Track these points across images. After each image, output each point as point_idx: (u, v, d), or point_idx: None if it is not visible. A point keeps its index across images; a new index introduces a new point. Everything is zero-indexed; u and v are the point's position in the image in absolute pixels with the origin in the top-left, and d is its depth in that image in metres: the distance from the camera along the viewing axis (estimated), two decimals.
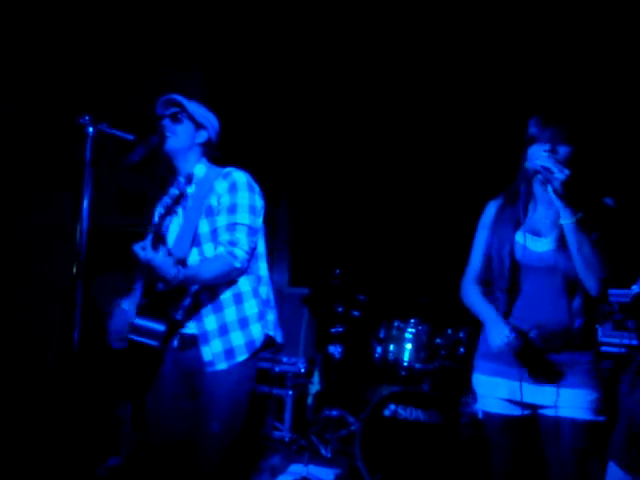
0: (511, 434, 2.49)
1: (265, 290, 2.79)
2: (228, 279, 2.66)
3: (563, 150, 2.36)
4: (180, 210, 2.76)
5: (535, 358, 2.40)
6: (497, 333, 2.38)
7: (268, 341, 2.75)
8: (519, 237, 2.46)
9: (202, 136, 2.81)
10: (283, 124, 5.56)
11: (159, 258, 2.38)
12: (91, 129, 2.51)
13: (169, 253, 2.41)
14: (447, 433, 3.91)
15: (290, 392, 4.86)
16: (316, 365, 4.97)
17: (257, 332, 2.70)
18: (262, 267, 2.79)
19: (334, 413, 4.69)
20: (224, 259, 2.61)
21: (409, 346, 4.38)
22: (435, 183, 5.08)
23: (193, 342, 2.69)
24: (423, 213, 5.12)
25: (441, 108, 5.05)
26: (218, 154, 2.90)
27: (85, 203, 2.54)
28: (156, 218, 2.64)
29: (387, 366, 4.43)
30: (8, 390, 4.42)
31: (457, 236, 4.66)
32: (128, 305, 2.80)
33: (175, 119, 2.76)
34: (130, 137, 2.63)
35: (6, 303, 4.62)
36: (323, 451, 4.55)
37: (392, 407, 4.02)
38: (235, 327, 2.67)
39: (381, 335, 4.48)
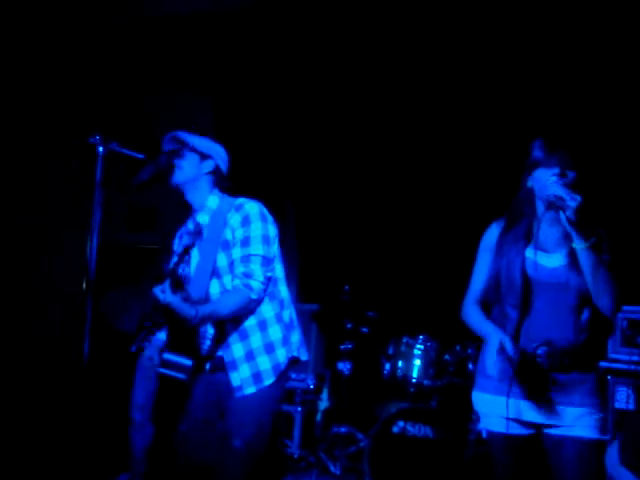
0: (515, 453, 2.48)
1: (288, 313, 2.89)
2: (246, 311, 2.75)
3: (571, 175, 2.38)
4: (196, 244, 2.84)
5: (539, 376, 2.40)
6: (496, 342, 2.38)
7: (293, 361, 2.84)
8: (529, 253, 2.46)
9: (209, 165, 2.88)
10: (291, 141, 5.60)
11: (177, 301, 2.47)
12: (101, 148, 2.58)
13: (186, 297, 2.53)
14: (455, 450, 3.90)
15: (299, 408, 4.86)
16: (325, 381, 4.96)
17: (282, 356, 2.79)
18: (282, 290, 2.88)
19: (343, 430, 4.68)
20: (240, 292, 2.69)
21: (418, 362, 4.37)
22: (444, 200, 5.09)
23: (223, 365, 2.78)
24: (433, 230, 5.12)
25: (450, 128, 5.08)
26: (229, 184, 2.96)
27: (96, 220, 2.59)
28: (174, 257, 2.73)
29: (396, 382, 4.42)
30: (19, 402, 4.45)
31: (466, 253, 4.69)
32: (162, 334, 2.93)
33: (177, 156, 2.81)
34: (140, 156, 2.69)
35: (17, 318, 4.67)
36: (332, 468, 4.55)
37: (401, 424, 4.02)
38: (261, 352, 2.76)
39: (390, 351, 4.47)
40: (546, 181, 2.38)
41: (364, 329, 4.74)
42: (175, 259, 2.65)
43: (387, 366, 4.46)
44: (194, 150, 2.83)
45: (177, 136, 2.85)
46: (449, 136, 5.09)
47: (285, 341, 2.80)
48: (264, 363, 2.74)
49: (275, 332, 2.78)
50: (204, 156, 2.85)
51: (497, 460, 2.52)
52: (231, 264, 2.76)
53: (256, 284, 2.69)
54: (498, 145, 4.81)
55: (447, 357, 4.32)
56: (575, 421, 2.38)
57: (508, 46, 4.60)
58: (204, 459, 2.79)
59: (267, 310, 2.79)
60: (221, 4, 4.68)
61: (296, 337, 2.88)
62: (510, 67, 4.68)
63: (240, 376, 2.73)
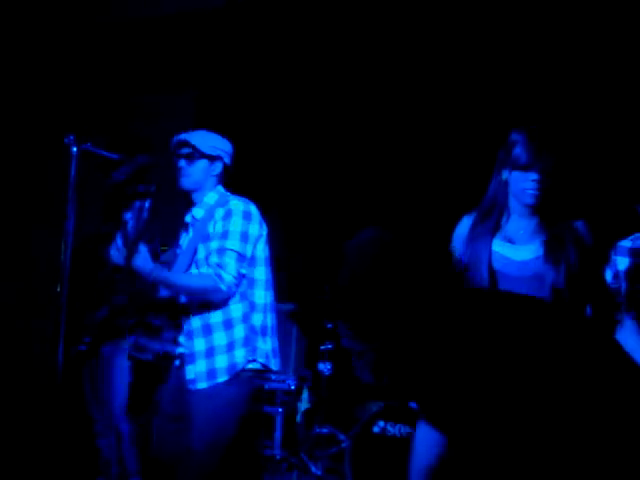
0: None
1: (260, 317, 2.84)
2: (208, 297, 2.73)
3: (549, 180, 2.37)
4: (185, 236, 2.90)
5: None
6: None
7: (261, 369, 2.83)
8: (496, 246, 2.44)
9: (218, 167, 2.91)
10: (273, 142, 5.58)
11: (141, 254, 2.54)
12: (75, 148, 2.56)
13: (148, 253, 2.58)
14: None
15: (280, 410, 4.83)
16: (306, 382, 4.94)
17: (240, 357, 2.76)
18: (258, 294, 2.84)
19: (324, 430, 4.66)
20: (208, 277, 2.70)
21: None
22: (422, 205, 5.10)
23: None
24: (412, 229, 5.13)
25: (428, 137, 5.09)
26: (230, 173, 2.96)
27: (70, 220, 2.57)
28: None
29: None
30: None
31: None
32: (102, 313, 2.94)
33: (189, 159, 2.81)
34: (115, 156, 2.68)
35: None
36: (313, 469, 4.53)
37: (381, 424, 4.01)
38: (222, 351, 2.74)
39: None
40: (523, 185, 2.38)
41: None
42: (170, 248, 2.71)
43: None
44: (204, 155, 2.84)
45: (186, 139, 2.84)
46: (430, 142, 5.10)
47: (247, 342, 2.77)
48: (221, 361, 2.72)
49: (238, 331, 2.76)
50: (213, 158, 2.86)
51: None
52: (207, 256, 2.76)
53: (228, 277, 2.68)
54: (478, 146, 4.82)
55: None
56: None
57: (494, 44, 4.61)
58: (175, 455, 2.76)
59: (235, 309, 2.77)
60: (196, 3, 4.65)
61: (266, 345, 2.85)
62: (494, 62, 4.68)
63: (195, 370, 2.72)
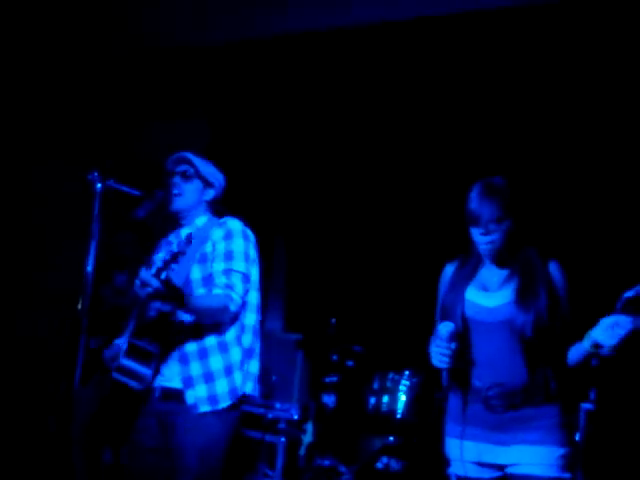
0: None
1: (249, 339, 2.83)
2: (220, 317, 2.71)
3: (499, 232, 2.41)
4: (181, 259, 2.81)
5: (493, 418, 2.40)
6: (432, 352, 2.38)
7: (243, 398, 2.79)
8: (469, 294, 2.48)
9: (209, 194, 2.90)
10: (281, 172, 5.66)
11: (144, 273, 2.48)
12: (99, 185, 2.62)
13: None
14: None
15: (282, 439, 4.84)
16: (309, 413, 4.97)
17: (239, 379, 2.75)
18: (249, 317, 2.83)
19: (326, 462, 4.67)
20: (221, 298, 2.68)
21: (403, 398, 4.40)
22: (428, 237, 5.15)
23: (175, 395, 2.71)
24: (419, 266, 5.17)
25: (434, 164, 5.16)
26: (221, 208, 2.99)
27: (92, 253, 2.63)
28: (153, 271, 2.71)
29: (380, 417, 4.45)
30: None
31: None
32: (121, 342, 2.84)
33: (185, 177, 2.84)
34: (137, 193, 2.72)
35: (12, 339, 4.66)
36: None
37: (384, 460, 4.04)
38: (220, 375, 2.72)
39: (375, 386, 4.50)
40: (476, 240, 2.44)
41: (349, 362, 4.76)
42: (154, 270, 2.64)
43: (372, 400, 4.48)
44: (199, 176, 2.85)
45: (185, 156, 2.86)
46: (435, 172, 5.17)
47: (242, 365, 2.76)
48: (221, 386, 2.70)
49: (235, 354, 2.75)
50: (207, 184, 2.88)
51: None
52: (205, 278, 2.74)
53: (236, 297, 2.69)
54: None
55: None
56: (535, 459, 2.36)
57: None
58: None
59: (229, 332, 2.75)
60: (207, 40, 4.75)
61: (254, 368, 2.83)
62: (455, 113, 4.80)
63: (195, 395, 2.68)
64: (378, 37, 4.58)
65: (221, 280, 2.70)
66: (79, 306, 2.62)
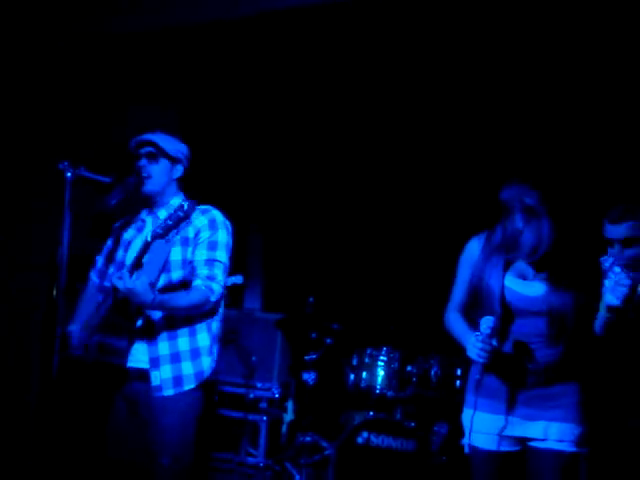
0: (498, 469, 2.52)
1: (217, 325, 2.90)
2: (201, 310, 2.77)
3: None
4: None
5: (521, 393, 2.48)
6: (471, 345, 2.43)
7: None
8: (508, 281, 2.53)
9: (179, 171, 2.91)
10: (254, 151, 5.64)
11: (138, 285, 2.51)
12: (69, 173, 2.61)
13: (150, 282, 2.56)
14: (419, 461, 3.99)
15: (264, 418, 4.90)
16: (290, 391, 5.02)
17: (207, 364, 2.81)
18: (220, 303, 2.89)
19: (308, 438, 4.71)
20: (201, 291, 2.73)
21: (381, 373, 4.45)
22: (407, 214, 5.17)
23: (142, 375, 2.76)
24: (396, 243, 5.21)
25: (414, 137, 5.15)
26: (187, 181, 2.99)
27: (65, 241, 2.62)
28: (135, 253, 2.71)
29: (360, 393, 4.49)
30: None
31: (430, 266, 4.78)
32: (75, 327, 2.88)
33: (151, 158, 2.83)
34: (107, 180, 2.71)
35: None
36: (297, 477, 4.58)
37: (365, 435, 4.09)
38: (187, 357, 2.77)
39: (354, 362, 4.54)
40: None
41: (328, 340, 4.79)
42: (136, 254, 2.67)
43: (351, 377, 4.53)
44: (165, 155, 2.85)
45: (148, 138, 2.85)
46: (412, 150, 5.17)
47: (210, 351, 2.83)
48: (187, 368, 2.75)
49: (203, 339, 2.80)
50: (174, 161, 2.88)
51: (477, 476, 2.56)
52: (184, 260, 2.78)
53: (217, 287, 2.74)
54: (459, 159, 4.91)
55: (410, 368, 4.41)
56: (557, 435, 2.44)
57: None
58: (132, 468, 2.77)
59: (200, 317, 2.81)
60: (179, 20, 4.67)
61: (216, 352, 2.90)
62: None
63: (161, 376, 2.72)
64: (360, 12, 4.48)
65: (203, 271, 2.75)
66: (54, 294, 2.62)
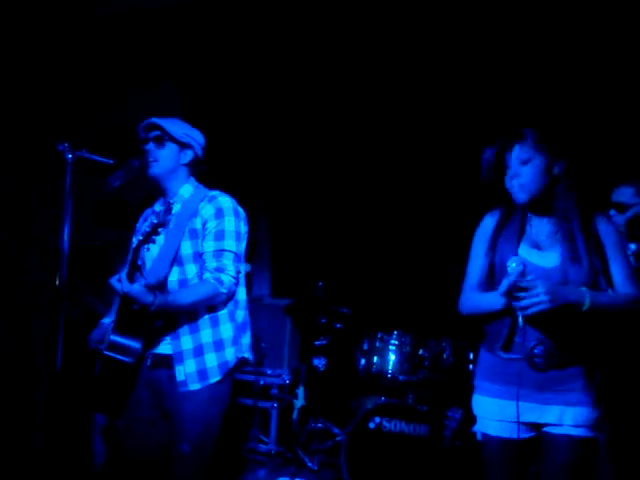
0: (510, 456, 2.44)
1: (242, 314, 2.83)
2: (212, 303, 2.70)
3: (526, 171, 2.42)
4: (162, 231, 2.77)
5: (535, 376, 2.39)
6: (503, 288, 2.31)
7: (241, 363, 2.80)
8: (523, 252, 2.44)
9: (188, 156, 2.83)
10: (262, 134, 5.56)
11: (135, 289, 2.48)
12: (70, 155, 2.53)
13: (145, 284, 2.50)
14: (431, 445, 3.93)
15: (275, 404, 4.86)
16: (300, 377, 4.97)
17: (230, 355, 2.74)
18: (240, 291, 2.83)
19: (319, 425, 4.69)
20: (209, 285, 2.66)
21: (393, 357, 4.39)
22: (416, 197, 5.11)
23: (165, 362, 2.71)
24: (406, 226, 5.15)
25: (421, 120, 5.08)
26: (205, 168, 2.92)
27: (66, 226, 2.56)
28: (134, 243, 2.65)
29: (371, 378, 4.45)
30: None
31: (442, 247, 4.72)
32: (108, 320, 2.85)
33: (158, 142, 2.77)
34: (110, 161, 2.64)
35: None
36: (309, 464, 4.56)
37: (377, 420, 4.04)
38: (210, 349, 2.71)
39: (365, 347, 4.49)
40: (509, 185, 2.44)
41: (338, 325, 4.74)
42: (136, 243, 2.60)
43: (362, 361, 4.48)
44: (173, 140, 2.78)
45: (155, 122, 2.78)
46: (416, 130, 5.10)
47: (235, 341, 2.76)
48: (211, 360, 2.70)
49: (226, 330, 2.74)
50: (183, 145, 2.81)
51: (490, 463, 2.48)
52: (196, 254, 2.72)
53: (227, 278, 2.67)
54: (468, 141, 4.83)
55: (422, 352, 4.35)
56: (572, 420, 2.36)
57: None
58: (149, 456, 2.73)
59: (221, 308, 2.75)
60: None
61: (247, 339, 2.84)
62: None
63: (185, 370, 2.67)
64: None
65: (211, 264, 2.68)
66: (57, 282, 2.56)
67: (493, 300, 2.42)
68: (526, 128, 2.46)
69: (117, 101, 4.87)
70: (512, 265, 2.31)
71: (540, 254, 2.44)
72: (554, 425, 2.39)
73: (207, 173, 2.94)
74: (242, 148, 5.51)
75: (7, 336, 4.60)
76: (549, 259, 2.43)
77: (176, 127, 2.81)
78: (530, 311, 2.28)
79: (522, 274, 2.30)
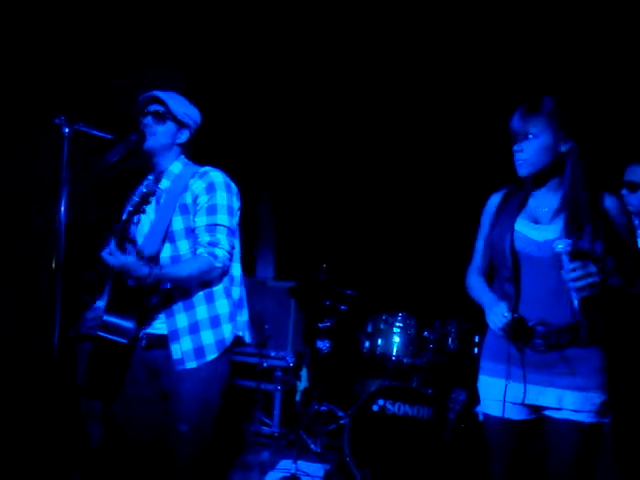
0: (512, 437, 2.39)
1: (237, 290, 2.78)
2: (207, 278, 2.64)
3: (533, 148, 2.35)
4: (153, 206, 2.72)
5: (538, 356, 2.33)
6: (495, 314, 2.29)
7: (237, 341, 2.74)
8: (518, 225, 2.37)
9: (184, 135, 2.77)
10: (265, 117, 5.52)
11: (130, 260, 2.44)
12: (67, 129, 2.47)
13: (138, 253, 2.49)
14: (435, 428, 3.90)
15: (279, 387, 4.84)
16: (304, 359, 4.94)
17: (227, 332, 2.69)
18: (235, 267, 2.77)
19: (323, 408, 4.66)
20: (203, 259, 2.61)
21: (397, 340, 4.35)
22: (419, 178, 5.07)
23: (161, 342, 2.67)
24: (410, 208, 5.10)
25: (423, 102, 5.03)
26: (193, 148, 2.86)
27: (63, 203, 2.50)
28: (124, 216, 2.60)
29: (375, 360, 4.42)
30: None
31: (444, 229, 4.69)
32: (101, 302, 2.78)
33: (158, 117, 2.71)
34: (108, 136, 2.58)
35: None
36: (312, 446, 4.54)
37: (380, 402, 4.00)
38: (206, 326, 2.66)
39: (369, 329, 4.45)
40: (515, 158, 2.39)
41: (343, 307, 4.70)
42: (126, 214, 2.55)
43: (366, 344, 4.44)
44: (172, 116, 2.71)
45: (157, 95, 2.71)
46: (422, 115, 5.06)
47: (232, 317, 2.70)
48: (208, 337, 2.64)
49: (222, 306, 2.68)
50: (181, 124, 2.74)
51: (492, 444, 2.43)
52: (188, 229, 2.67)
53: (221, 252, 2.61)
54: (473, 125, 4.79)
55: (427, 334, 4.31)
56: (575, 405, 2.29)
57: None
58: (146, 436, 2.69)
59: (216, 284, 2.69)
60: None
61: (244, 317, 2.78)
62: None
63: (181, 349, 2.62)
64: None
65: (205, 238, 2.62)
66: (53, 265, 2.50)
67: (486, 306, 2.39)
68: (545, 96, 2.37)
69: (122, 84, 4.82)
70: (559, 246, 2.21)
71: (536, 227, 2.36)
72: (554, 409, 2.32)
73: (211, 157, 2.89)
74: (247, 132, 5.46)
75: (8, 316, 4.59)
76: (544, 233, 2.34)
77: (178, 105, 2.75)
78: (587, 292, 2.20)
79: (570, 254, 2.21)
